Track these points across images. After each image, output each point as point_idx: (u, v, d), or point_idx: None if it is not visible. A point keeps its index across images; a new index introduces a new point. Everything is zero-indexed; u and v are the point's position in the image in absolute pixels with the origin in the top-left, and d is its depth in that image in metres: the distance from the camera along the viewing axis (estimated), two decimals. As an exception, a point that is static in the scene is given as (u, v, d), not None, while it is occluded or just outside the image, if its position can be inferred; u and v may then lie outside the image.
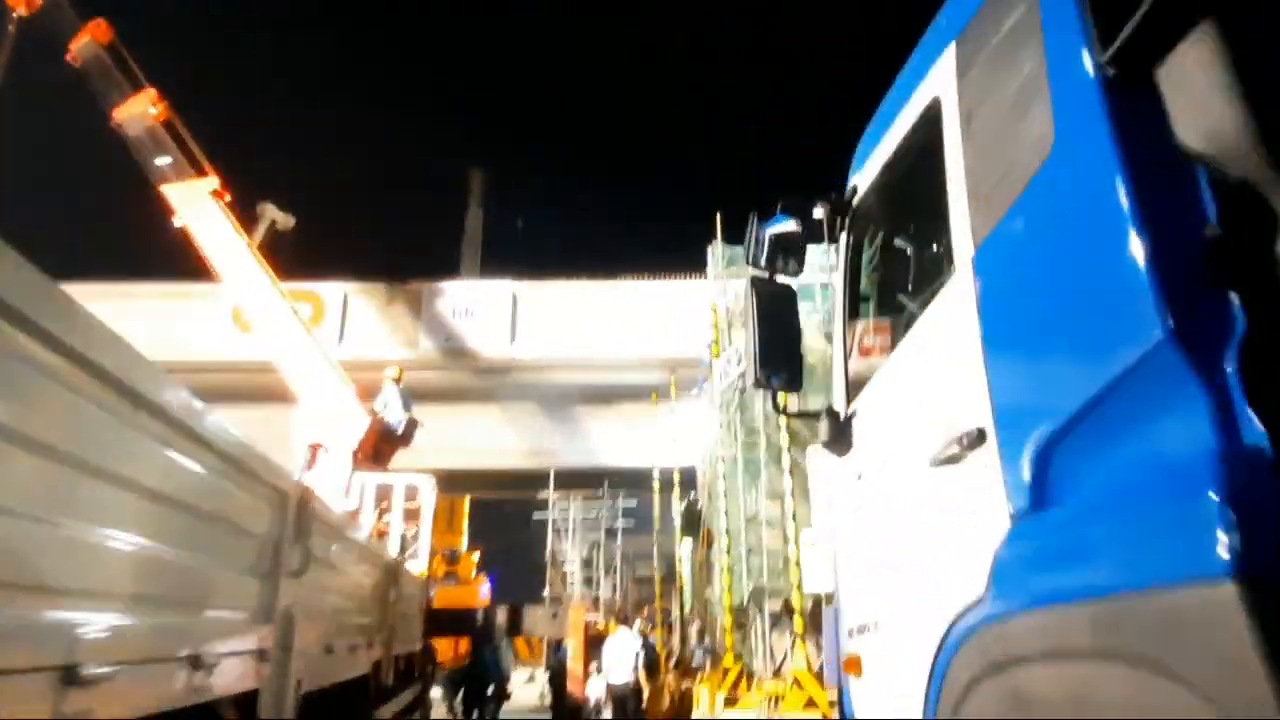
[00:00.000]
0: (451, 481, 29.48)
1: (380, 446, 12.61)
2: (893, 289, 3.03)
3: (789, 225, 3.16)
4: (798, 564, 13.18)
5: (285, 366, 12.50)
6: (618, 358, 22.49)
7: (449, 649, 21.40)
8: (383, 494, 11.49)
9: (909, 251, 3.03)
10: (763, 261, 3.15)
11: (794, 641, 16.05)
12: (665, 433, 23.34)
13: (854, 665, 2.78)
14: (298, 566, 3.52)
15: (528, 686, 22.48)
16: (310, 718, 3.63)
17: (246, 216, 14.53)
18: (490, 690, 15.73)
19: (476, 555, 43.62)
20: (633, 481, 26.76)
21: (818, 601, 14.59)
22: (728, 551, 16.46)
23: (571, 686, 11.50)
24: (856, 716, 2.79)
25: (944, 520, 2.19)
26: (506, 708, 15.26)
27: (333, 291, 23.04)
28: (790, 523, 13.60)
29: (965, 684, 1.86)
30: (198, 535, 2.66)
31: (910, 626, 2.30)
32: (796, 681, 11.14)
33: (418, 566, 10.89)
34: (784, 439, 13.43)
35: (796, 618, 13.03)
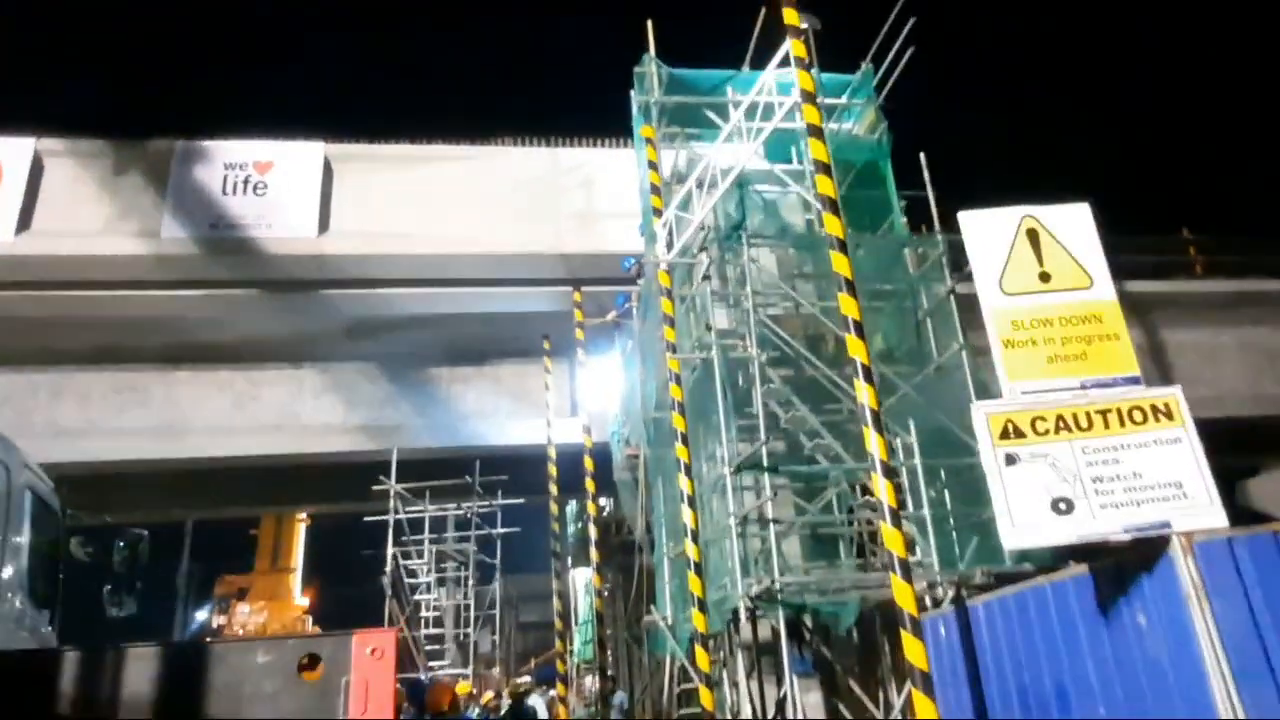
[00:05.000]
0: (255, 476, 20.46)
1: None
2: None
3: None
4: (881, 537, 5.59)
5: None
6: (486, 252, 14.23)
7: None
8: None
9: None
10: None
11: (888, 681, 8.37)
12: (563, 395, 16.15)
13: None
14: None
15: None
16: None
17: None
18: None
19: (306, 600, 33.70)
20: (523, 482, 18.86)
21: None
22: (694, 539, 8.60)
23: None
24: None
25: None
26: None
27: (14, 151, 14.07)
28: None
29: None
30: None
31: None
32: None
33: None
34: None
35: (913, 641, 5.55)
